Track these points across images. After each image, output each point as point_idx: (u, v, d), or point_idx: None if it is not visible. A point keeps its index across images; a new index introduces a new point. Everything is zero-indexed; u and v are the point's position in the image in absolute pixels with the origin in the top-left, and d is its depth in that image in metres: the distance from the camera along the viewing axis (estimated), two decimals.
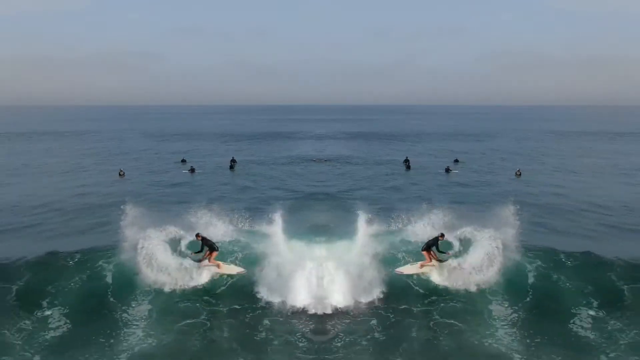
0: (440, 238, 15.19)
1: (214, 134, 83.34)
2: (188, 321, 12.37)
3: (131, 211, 16.05)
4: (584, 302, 13.04)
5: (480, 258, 14.37)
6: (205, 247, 14.73)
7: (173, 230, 16.32)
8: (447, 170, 38.03)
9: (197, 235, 15.24)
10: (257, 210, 21.69)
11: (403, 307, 13.04)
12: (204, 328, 12.14)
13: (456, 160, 44.45)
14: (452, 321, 12.35)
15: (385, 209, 22.56)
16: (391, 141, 68.53)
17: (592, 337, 11.65)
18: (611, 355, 10.91)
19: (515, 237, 15.37)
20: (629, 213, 23.54)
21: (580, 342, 11.54)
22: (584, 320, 12.29)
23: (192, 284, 13.95)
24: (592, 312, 12.59)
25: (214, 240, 15.22)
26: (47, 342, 11.46)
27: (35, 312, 12.52)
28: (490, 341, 11.49)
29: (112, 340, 11.52)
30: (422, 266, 14.95)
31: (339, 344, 11.29)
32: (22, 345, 11.31)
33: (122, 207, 16.50)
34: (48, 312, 12.58)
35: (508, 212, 18.95)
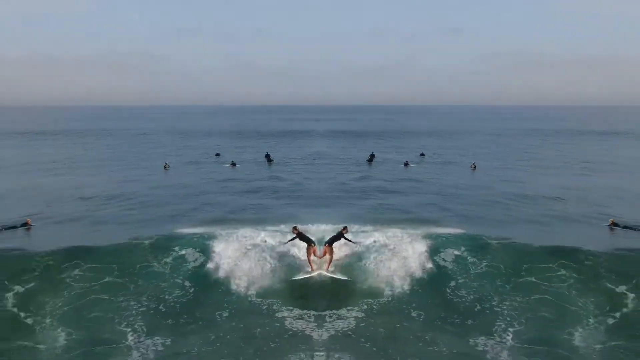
0: (343, 231, 15.47)
1: (229, 132, 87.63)
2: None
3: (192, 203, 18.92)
4: (454, 247, 16.09)
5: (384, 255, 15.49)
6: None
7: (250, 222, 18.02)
8: (406, 164, 40.22)
9: (294, 228, 15.46)
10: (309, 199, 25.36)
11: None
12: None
13: (422, 154, 47.40)
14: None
15: (321, 198, 25.45)
16: (374, 139, 72.70)
17: (450, 267, 15.27)
18: (460, 281, 14.51)
19: (424, 224, 18.12)
20: (547, 203, 25.23)
21: (440, 271, 15.10)
22: (448, 256, 15.63)
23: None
24: (457, 252, 15.84)
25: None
26: (189, 270, 15.47)
27: (171, 253, 16.13)
28: (369, 282, 14.94)
29: None
30: (327, 269, 15.03)
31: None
32: (170, 273, 15.28)
33: (191, 197, 19.85)
34: (182, 252, 16.16)
35: (435, 202, 22.77)
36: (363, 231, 16.94)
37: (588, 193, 28.01)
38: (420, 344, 11.87)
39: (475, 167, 38.53)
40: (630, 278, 13.25)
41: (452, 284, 14.51)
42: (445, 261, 15.41)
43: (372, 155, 44.28)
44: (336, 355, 11.36)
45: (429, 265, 15.16)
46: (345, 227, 15.56)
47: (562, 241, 16.49)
